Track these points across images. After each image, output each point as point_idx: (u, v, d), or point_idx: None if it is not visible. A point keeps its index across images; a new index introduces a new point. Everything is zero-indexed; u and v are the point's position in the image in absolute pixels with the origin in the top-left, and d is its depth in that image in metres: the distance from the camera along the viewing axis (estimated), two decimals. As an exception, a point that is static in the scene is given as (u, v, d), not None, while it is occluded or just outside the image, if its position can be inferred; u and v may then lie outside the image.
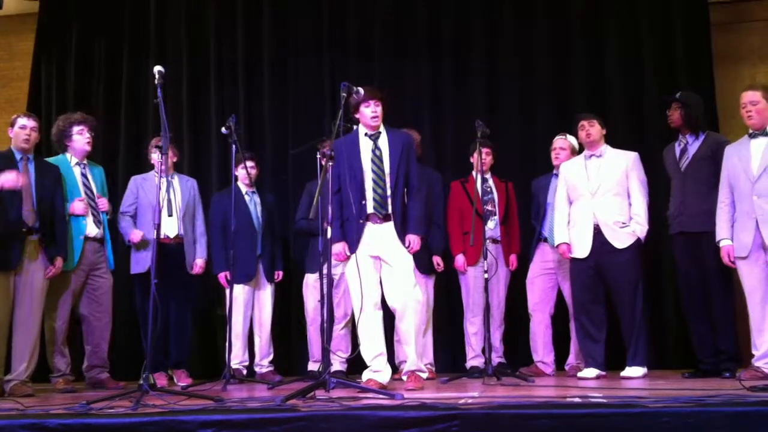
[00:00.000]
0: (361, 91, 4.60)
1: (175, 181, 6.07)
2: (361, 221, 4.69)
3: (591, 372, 5.33)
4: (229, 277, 5.77)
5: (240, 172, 6.08)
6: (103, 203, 5.69)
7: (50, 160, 5.66)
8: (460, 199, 6.12)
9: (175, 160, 6.17)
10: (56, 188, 5.36)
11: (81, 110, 7.09)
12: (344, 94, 4.48)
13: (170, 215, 4.36)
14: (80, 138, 5.66)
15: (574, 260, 5.50)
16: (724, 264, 5.04)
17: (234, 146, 5.56)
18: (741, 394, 3.42)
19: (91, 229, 5.57)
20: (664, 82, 6.69)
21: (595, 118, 5.55)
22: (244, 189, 6.22)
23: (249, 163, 6.18)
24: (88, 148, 5.70)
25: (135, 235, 5.84)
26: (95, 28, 7.82)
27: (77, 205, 5.50)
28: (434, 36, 7.28)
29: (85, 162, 5.73)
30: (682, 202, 5.28)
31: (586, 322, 5.45)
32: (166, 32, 7.69)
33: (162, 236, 5.77)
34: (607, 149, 5.54)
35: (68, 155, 5.69)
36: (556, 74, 7.04)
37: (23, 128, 5.24)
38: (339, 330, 5.92)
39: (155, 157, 5.92)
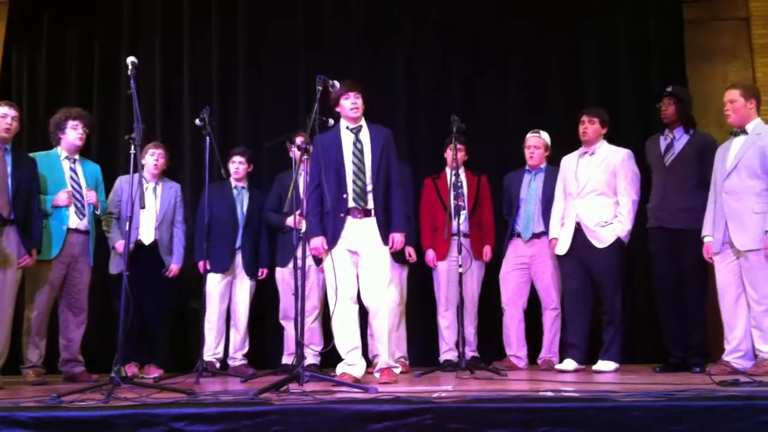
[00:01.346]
0: (337, 84, 4.61)
1: (159, 187, 6.09)
2: (341, 215, 4.69)
3: (570, 364, 5.38)
4: (207, 266, 5.79)
5: (230, 167, 6.18)
6: (91, 196, 5.61)
7: (41, 153, 5.61)
8: (431, 196, 6.15)
9: (165, 167, 6.16)
10: (32, 181, 5.26)
11: (52, 100, 7.05)
12: (320, 88, 4.47)
13: (142, 207, 4.32)
14: (73, 132, 5.60)
15: (560, 256, 5.57)
16: (700, 261, 5.09)
17: (208, 138, 5.55)
18: (710, 389, 3.47)
19: (74, 221, 5.50)
20: (638, 79, 6.78)
21: (597, 116, 5.57)
22: (233, 183, 6.24)
23: (237, 158, 6.22)
24: (79, 143, 5.64)
25: (121, 245, 5.83)
26: (67, 17, 7.72)
27: (61, 196, 5.43)
28: (410, 33, 7.28)
29: (76, 157, 5.67)
30: (662, 198, 5.31)
31: (571, 315, 5.52)
32: (139, 23, 7.61)
33: (138, 239, 5.83)
34: (601, 146, 5.57)
35: (59, 149, 5.63)
36: (532, 71, 7.07)
37: (4, 117, 5.12)
38: (310, 323, 5.90)
39: (150, 159, 6.02)
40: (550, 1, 7.12)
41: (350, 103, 4.77)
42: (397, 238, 4.74)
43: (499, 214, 6.27)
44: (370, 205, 4.71)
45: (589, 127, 5.56)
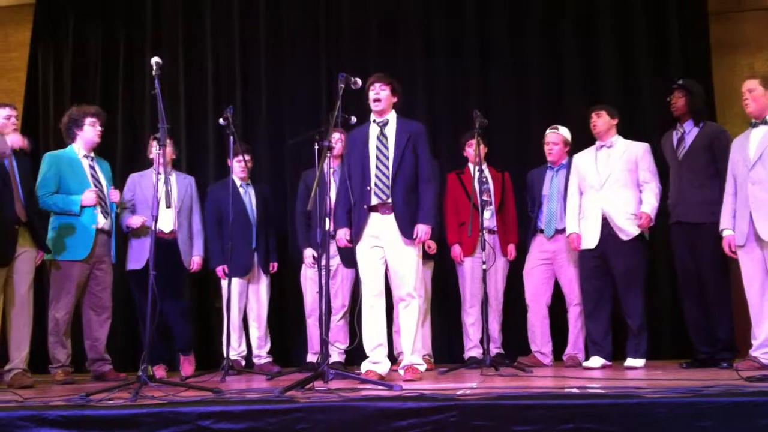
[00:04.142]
0: (359, 81, 4.60)
1: (173, 177, 6.03)
2: (365, 207, 4.70)
3: (597, 361, 5.36)
4: (226, 270, 5.78)
5: (235, 165, 6.05)
6: (115, 194, 5.67)
7: (57, 152, 5.68)
8: (456, 191, 6.13)
9: (173, 157, 6.15)
10: (33, 181, 5.33)
11: (78, 101, 7.12)
12: (342, 85, 4.48)
13: (168, 206, 4.36)
14: (91, 129, 5.65)
15: (582, 251, 5.53)
16: (721, 254, 5.04)
17: (231, 137, 5.56)
18: (738, 384, 3.44)
19: (101, 220, 5.56)
20: (661, 71, 6.69)
21: (603, 109, 5.57)
22: (238, 182, 6.18)
23: (245, 156, 6.17)
24: (97, 140, 5.69)
25: (135, 219, 5.77)
26: (91, 18, 7.80)
27: (88, 196, 5.47)
28: (427, 28, 7.26)
29: (92, 155, 5.72)
30: (678, 192, 5.28)
31: (594, 312, 5.48)
32: (162, 23, 7.68)
33: (157, 230, 5.77)
34: (618, 140, 5.55)
35: (75, 146, 5.67)
36: (551, 64, 7.03)
37: (8, 118, 5.16)
38: (336, 321, 5.93)
39: (154, 150, 5.94)
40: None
41: (373, 94, 4.77)
42: (422, 228, 4.66)
43: (520, 210, 6.24)
44: (390, 198, 4.68)
45: (597, 120, 5.56)
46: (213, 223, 6.09)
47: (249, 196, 6.23)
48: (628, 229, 5.36)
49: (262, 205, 6.28)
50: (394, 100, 4.84)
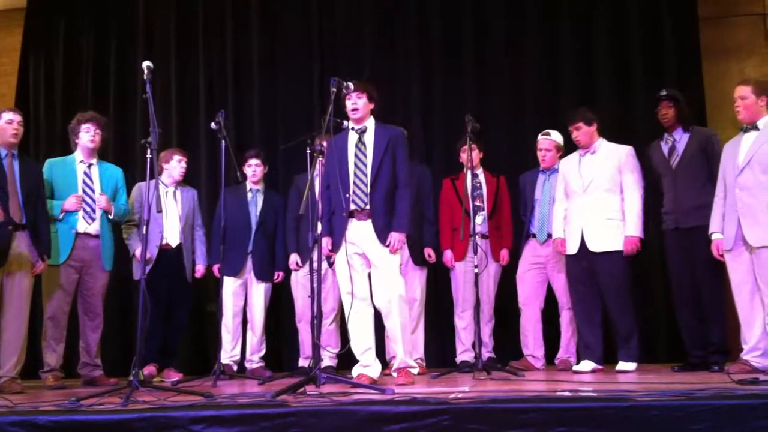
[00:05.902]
0: (351, 86, 4.60)
1: (178, 192, 6.15)
2: (344, 214, 4.69)
3: (587, 365, 5.35)
4: (220, 271, 5.83)
5: (247, 170, 6.18)
6: (101, 201, 5.60)
7: (57, 159, 5.71)
8: (450, 196, 6.13)
9: (183, 173, 6.20)
10: (39, 186, 5.29)
11: (69, 105, 7.11)
12: (334, 90, 4.47)
13: (159, 211, 4.34)
14: (85, 135, 5.63)
15: (568, 256, 5.53)
16: (714, 258, 5.05)
17: (223, 141, 5.56)
18: (729, 388, 3.45)
19: (82, 225, 5.52)
20: (653, 76, 6.71)
21: (578, 120, 5.49)
22: (249, 186, 6.26)
23: (254, 161, 6.22)
24: (91, 145, 5.65)
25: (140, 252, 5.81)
26: (83, 23, 7.79)
27: (69, 201, 5.46)
28: (423, 29, 7.28)
29: (93, 161, 5.70)
30: (674, 199, 5.29)
31: (583, 316, 5.48)
32: (154, 27, 7.67)
33: (163, 243, 5.93)
34: (602, 144, 5.52)
35: (76, 153, 5.68)
36: (545, 69, 7.04)
37: (10, 123, 5.15)
38: (327, 325, 5.92)
39: (177, 165, 6.13)
40: (563, 0, 7.10)
41: (350, 104, 4.76)
42: (395, 237, 4.64)
43: (517, 214, 6.24)
44: (368, 205, 4.68)
45: (578, 134, 5.52)
46: (218, 224, 6.10)
47: (256, 201, 6.27)
48: (600, 240, 5.35)
49: (271, 213, 6.29)
50: (372, 107, 4.83)
